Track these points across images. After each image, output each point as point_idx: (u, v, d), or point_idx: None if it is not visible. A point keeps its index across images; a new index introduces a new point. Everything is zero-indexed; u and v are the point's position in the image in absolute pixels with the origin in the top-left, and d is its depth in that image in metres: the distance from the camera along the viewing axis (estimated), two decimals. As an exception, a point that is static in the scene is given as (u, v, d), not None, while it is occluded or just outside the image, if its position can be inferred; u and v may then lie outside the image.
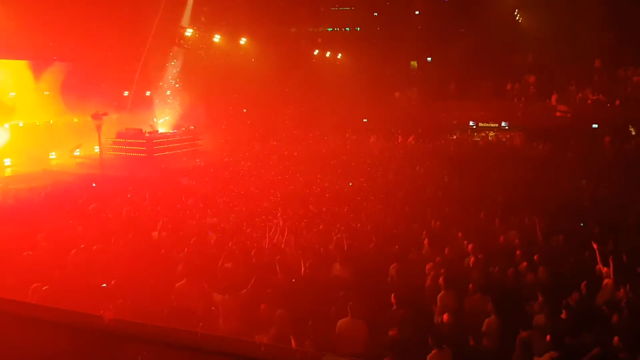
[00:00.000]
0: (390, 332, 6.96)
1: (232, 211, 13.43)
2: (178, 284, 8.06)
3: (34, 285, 7.29)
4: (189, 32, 27.48)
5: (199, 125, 26.58)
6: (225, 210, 13.64)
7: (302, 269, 8.82)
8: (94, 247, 9.46)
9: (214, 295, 7.70)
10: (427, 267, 8.93)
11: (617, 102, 23.48)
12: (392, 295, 7.66)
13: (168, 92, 27.49)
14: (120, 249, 9.69)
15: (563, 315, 7.32)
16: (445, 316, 7.45)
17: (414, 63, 31.24)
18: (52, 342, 3.52)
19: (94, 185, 16.94)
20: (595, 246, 9.02)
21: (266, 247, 10.28)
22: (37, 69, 23.87)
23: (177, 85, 27.77)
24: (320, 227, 11.81)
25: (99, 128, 18.82)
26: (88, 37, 22.11)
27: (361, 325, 6.99)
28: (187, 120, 26.60)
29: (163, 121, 26.60)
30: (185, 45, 27.75)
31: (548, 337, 6.58)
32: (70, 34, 21.78)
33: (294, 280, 8.60)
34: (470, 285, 8.09)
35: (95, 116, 18.66)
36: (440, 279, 8.17)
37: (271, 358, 3.37)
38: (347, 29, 32.14)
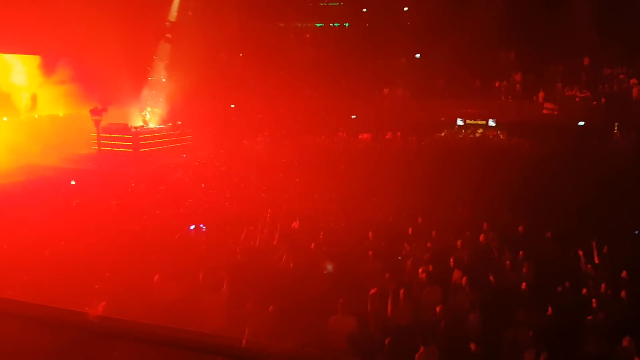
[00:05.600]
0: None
1: (219, 209, 13.34)
2: (157, 280, 7.95)
3: (23, 279, 7.22)
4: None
5: (187, 121, 26.37)
6: (213, 207, 13.53)
7: (289, 265, 8.80)
8: (76, 243, 9.36)
9: (199, 292, 7.65)
10: (408, 263, 8.97)
11: (603, 100, 23.69)
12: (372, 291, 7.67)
13: (154, 87, 27.23)
14: (104, 244, 9.57)
15: (549, 312, 7.38)
16: (431, 312, 7.48)
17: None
18: (34, 339, 3.46)
19: (72, 182, 16.65)
20: (579, 250, 9.13)
21: (256, 244, 10.21)
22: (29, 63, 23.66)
23: (163, 80, 27.52)
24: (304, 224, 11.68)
25: (97, 123, 18.45)
26: (72, 32, 21.71)
27: (352, 321, 7.01)
28: (174, 115, 26.37)
29: (150, 117, 26.33)
30: (172, 40, 27.47)
31: (531, 333, 6.64)
32: (52, 28, 21.37)
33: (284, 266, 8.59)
34: (455, 281, 8.12)
35: (94, 111, 18.21)
36: (425, 275, 8.20)
37: (256, 354, 3.34)
38: (336, 24, 32.02)
